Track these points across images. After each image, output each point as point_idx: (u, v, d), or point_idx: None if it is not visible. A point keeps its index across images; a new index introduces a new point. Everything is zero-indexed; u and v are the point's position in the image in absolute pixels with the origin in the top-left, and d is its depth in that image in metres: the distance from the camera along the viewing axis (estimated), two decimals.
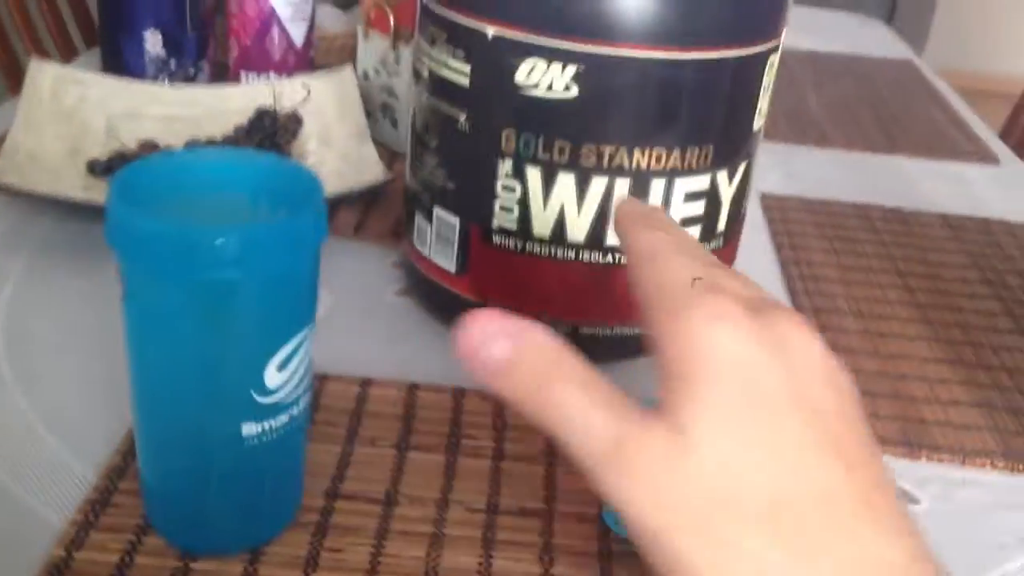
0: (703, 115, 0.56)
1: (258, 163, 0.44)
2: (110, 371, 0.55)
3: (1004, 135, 1.28)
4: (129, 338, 0.40)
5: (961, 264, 0.80)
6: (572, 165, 0.56)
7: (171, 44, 0.88)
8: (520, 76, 0.54)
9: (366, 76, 0.89)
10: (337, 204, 0.75)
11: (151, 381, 0.41)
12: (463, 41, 0.56)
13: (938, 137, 1.08)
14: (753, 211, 0.84)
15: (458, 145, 0.58)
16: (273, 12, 0.89)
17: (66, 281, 0.64)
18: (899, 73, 1.29)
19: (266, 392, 0.41)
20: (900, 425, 0.59)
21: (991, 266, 0.80)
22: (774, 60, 0.59)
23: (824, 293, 0.73)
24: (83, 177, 0.73)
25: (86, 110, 0.80)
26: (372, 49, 0.88)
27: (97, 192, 0.71)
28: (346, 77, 0.87)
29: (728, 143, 0.58)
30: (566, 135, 0.55)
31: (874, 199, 0.90)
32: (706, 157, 0.57)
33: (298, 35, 0.91)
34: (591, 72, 0.54)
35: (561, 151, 0.55)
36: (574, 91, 0.54)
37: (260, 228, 0.39)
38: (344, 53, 1.00)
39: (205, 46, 0.91)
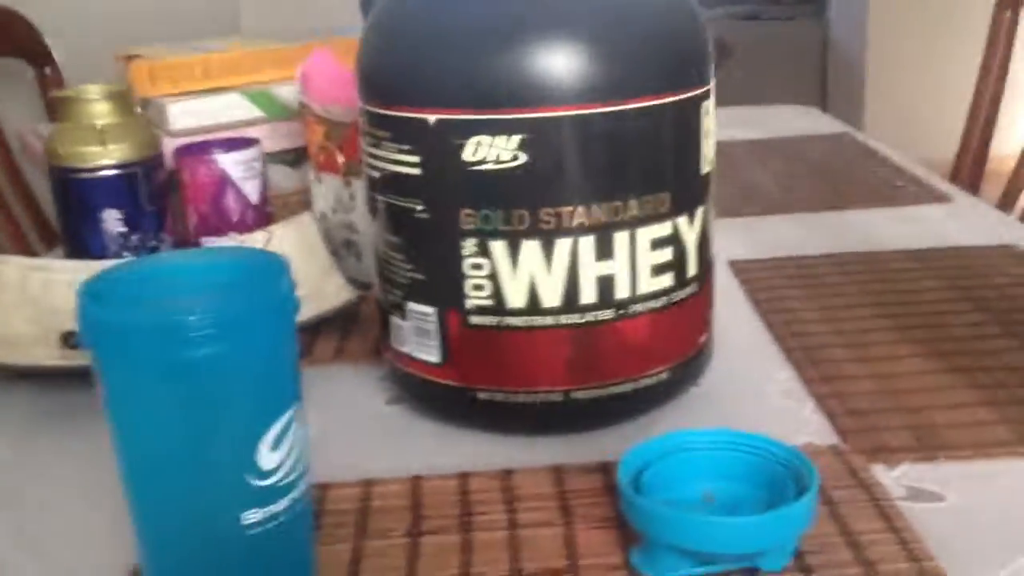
0: (653, 162, 0.58)
1: (220, 257, 0.44)
2: (107, 521, 0.54)
3: (951, 181, 1.31)
4: (116, 441, 0.39)
5: (938, 287, 0.80)
6: (534, 231, 0.56)
7: (129, 221, 0.89)
8: (467, 154, 0.55)
9: (324, 217, 0.90)
10: (315, 330, 0.76)
11: (144, 479, 0.40)
12: (408, 134, 0.57)
13: (888, 188, 1.10)
14: (725, 276, 0.85)
15: (420, 234, 0.58)
16: (225, 173, 0.91)
17: (52, 444, 0.63)
18: (838, 144, 1.33)
19: (262, 474, 0.40)
20: (912, 433, 0.58)
21: (968, 284, 0.80)
22: (708, 106, 0.61)
23: (809, 333, 0.73)
24: (58, 350, 0.73)
25: (53, 293, 0.81)
26: (325, 191, 0.90)
27: (73, 361, 0.71)
28: (305, 221, 0.89)
29: (683, 188, 0.59)
30: (522, 203, 0.56)
31: (839, 249, 0.91)
32: (663, 204, 0.58)
33: (253, 192, 0.93)
34: (535, 138, 0.55)
35: (520, 219, 0.56)
36: (522, 159, 0.55)
37: (232, 302, 0.39)
38: (301, 208, 1.02)
39: (163, 219, 0.93)
